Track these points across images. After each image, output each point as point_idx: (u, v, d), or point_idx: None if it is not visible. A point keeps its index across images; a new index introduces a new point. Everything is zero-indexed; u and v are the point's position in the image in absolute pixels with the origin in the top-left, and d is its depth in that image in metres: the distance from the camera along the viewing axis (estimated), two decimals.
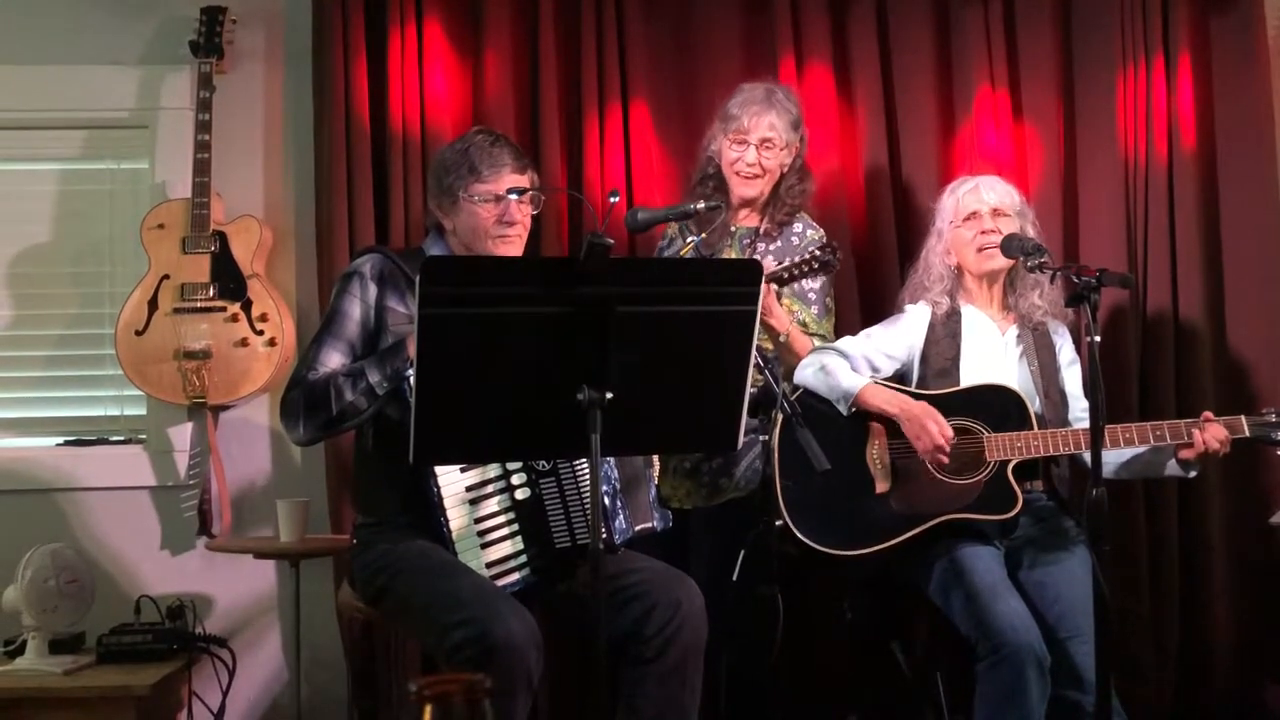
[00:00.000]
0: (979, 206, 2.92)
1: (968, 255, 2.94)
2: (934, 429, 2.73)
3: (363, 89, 3.39)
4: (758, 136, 2.99)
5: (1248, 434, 2.68)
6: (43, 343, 3.60)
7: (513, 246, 2.60)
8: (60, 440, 3.54)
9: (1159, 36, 3.39)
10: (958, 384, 2.87)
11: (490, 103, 3.44)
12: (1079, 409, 2.90)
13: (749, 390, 2.14)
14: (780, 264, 2.87)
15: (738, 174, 3.02)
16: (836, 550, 2.76)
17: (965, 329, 2.94)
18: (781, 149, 3.02)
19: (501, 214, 2.58)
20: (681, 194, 3.24)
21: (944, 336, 2.93)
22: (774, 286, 2.83)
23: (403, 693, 3.08)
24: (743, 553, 2.61)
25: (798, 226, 3.08)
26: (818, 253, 2.81)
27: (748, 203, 3.06)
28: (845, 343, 2.95)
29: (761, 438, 2.82)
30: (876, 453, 2.83)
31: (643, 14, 3.47)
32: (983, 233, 2.90)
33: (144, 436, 3.54)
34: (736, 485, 2.97)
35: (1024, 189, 3.42)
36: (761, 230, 3.06)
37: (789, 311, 2.92)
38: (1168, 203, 3.38)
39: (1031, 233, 2.93)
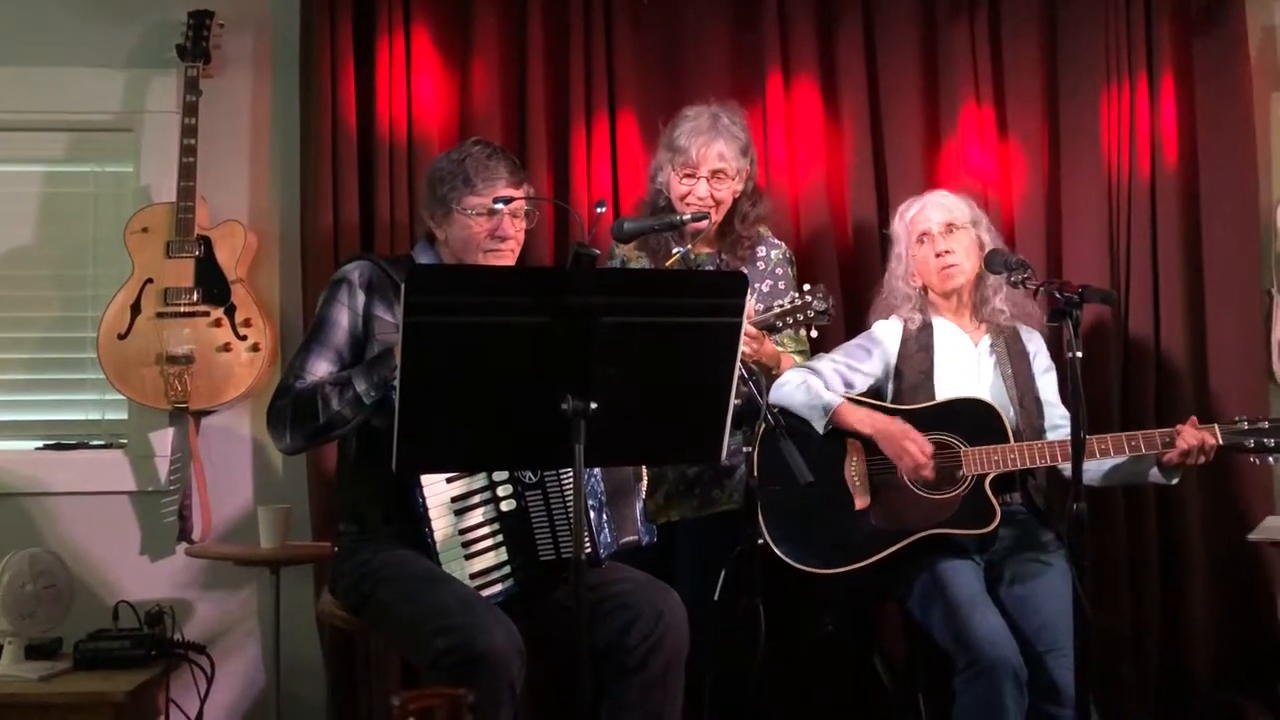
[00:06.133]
0: (928, 226, 2.95)
1: (929, 276, 2.98)
2: (913, 448, 2.75)
3: (350, 95, 3.39)
4: (708, 169, 2.90)
5: (1221, 442, 2.71)
6: (23, 345, 3.58)
7: (503, 260, 2.59)
8: (40, 444, 3.52)
9: (1142, 55, 3.42)
10: (933, 397, 2.89)
11: (477, 111, 3.44)
12: (1056, 416, 2.92)
13: (733, 402, 2.14)
14: (762, 307, 2.76)
15: (689, 207, 2.91)
16: (817, 570, 2.77)
17: (938, 342, 2.96)
18: (733, 178, 2.93)
19: (494, 228, 2.57)
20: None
21: (917, 350, 2.95)
22: (767, 334, 2.74)
23: (383, 703, 3.07)
24: (724, 572, 2.61)
25: (760, 249, 3.04)
26: (809, 298, 2.67)
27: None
28: (819, 361, 2.96)
29: (746, 449, 2.83)
30: (855, 469, 2.84)
31: (631, 24, 3.48)
32: (938, 254, 2.93)
33: (125, 441, 3.53)
34: (730, 497, 2.96)
35: (1008, 205, 3.46)
36: (724, 260, 3.00)
37: (766, 336, 2.89)
38: (1150, 220, 3.41)
39: (988, 238, 2.96)
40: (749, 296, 2.74)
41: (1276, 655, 3.24)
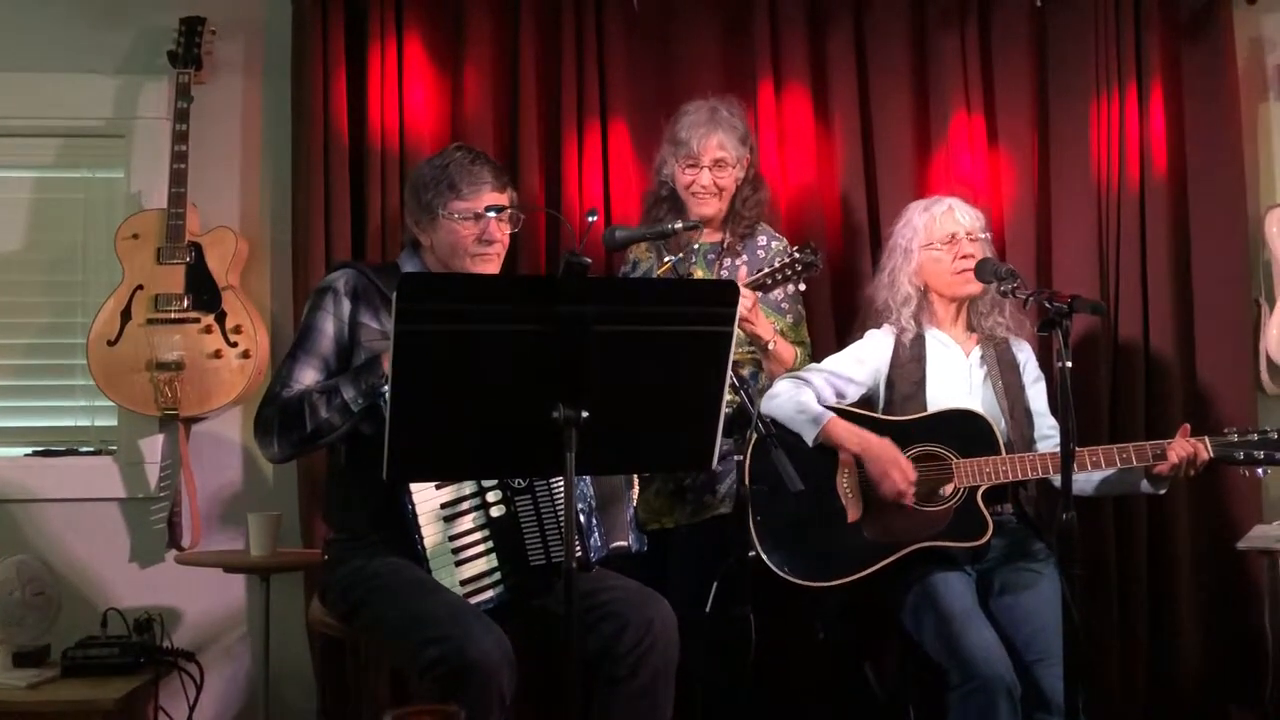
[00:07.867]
0: (957, 230, 2.94)
1: (943, 279, 2.95)
2: (897, 475, 2.73)
3: (342, 102, 3.39)
4: (709, 159, 3.03)
5: (1211, 454, 2.71)
6: (13, 351, 3.57)
7: (490, 265, 2.60)
8: (29, 450, 3.51)
9: (1132, 65, 3.44)
10: (924, 407, 2.88)
11: (469, 118, 3.44)
12: (1046, 426, 2.92)
13: (724, 410, 2.15)
14: (755, 273, 2.90)
15: (694, 195, 3.07)
16: (810, 582, 2.76)
17: (930, 352, 2.96)
18: (733, 166, 3.06)
19: (480, 233, 2.58)
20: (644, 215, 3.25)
21: (909, 360, 2.95)
22: (758, 295, 2.84)
23: (373, 712, 3.06)
24: (715, 584, 2.61)
25: (761, 239, 3.11)
26: (797, 254, 2.85)
27: (707, 220, 3.09)
28: (810, 370, 2.96)
29: (736, 458, 2.83)
30: (847, 481, 2.84)
31: (623, 33, 3.49)
32: (963, 257, 2.92)
33: (114, 448, 3.52)
34: (722, 502, 2.97)
35: (998, 214, 3.47)
36: (725, 245, 3.09)
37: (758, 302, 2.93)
38: (1139, 229, 3.42)
39: (990, 253, 2.96)
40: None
41: (1264, 662, 3.26)
